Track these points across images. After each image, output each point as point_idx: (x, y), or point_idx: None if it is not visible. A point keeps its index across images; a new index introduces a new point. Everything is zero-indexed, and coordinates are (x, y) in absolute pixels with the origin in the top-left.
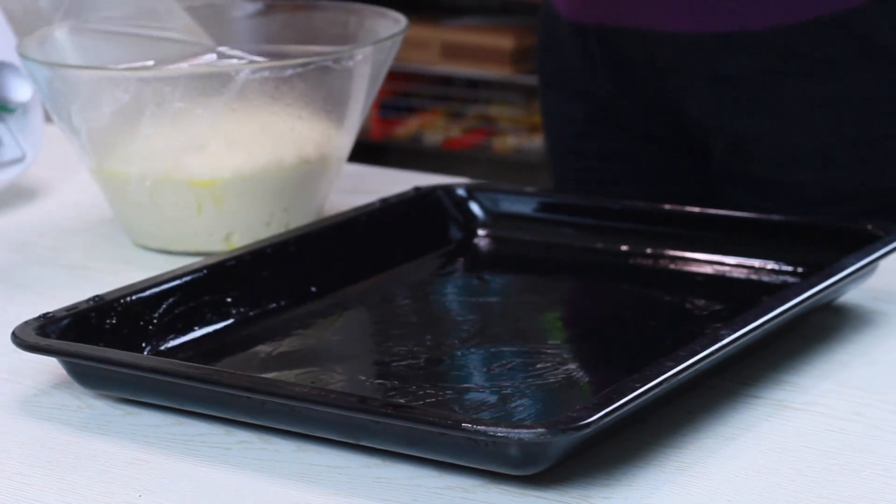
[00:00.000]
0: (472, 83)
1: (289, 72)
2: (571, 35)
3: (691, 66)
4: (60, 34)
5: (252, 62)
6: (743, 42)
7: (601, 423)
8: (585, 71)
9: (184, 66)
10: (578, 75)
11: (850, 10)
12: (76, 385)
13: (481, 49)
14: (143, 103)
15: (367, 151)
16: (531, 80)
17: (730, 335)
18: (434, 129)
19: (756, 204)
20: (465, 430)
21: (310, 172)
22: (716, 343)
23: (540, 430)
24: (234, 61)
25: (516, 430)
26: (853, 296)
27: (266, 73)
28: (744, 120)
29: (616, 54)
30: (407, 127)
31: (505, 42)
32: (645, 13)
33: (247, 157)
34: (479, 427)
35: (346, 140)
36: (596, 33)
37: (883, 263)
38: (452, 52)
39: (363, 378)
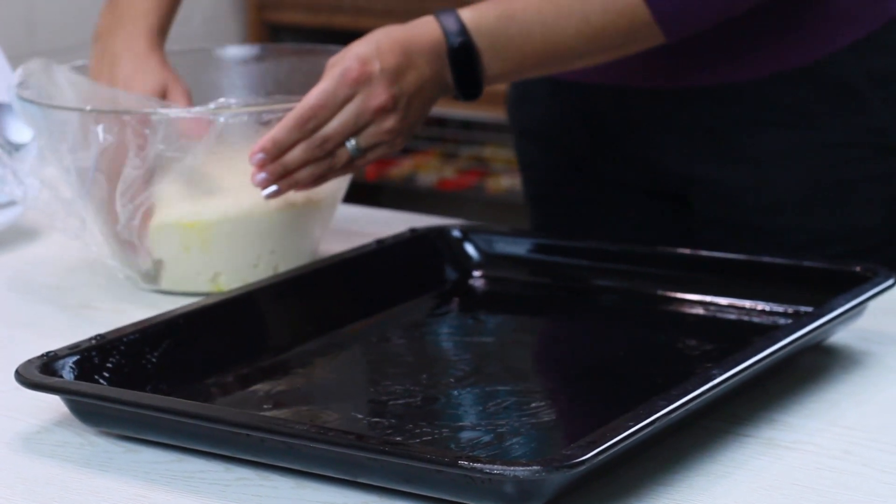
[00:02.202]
0: (467, 124)
1: (266, 117)
2: (547, 89)
3: (670, 119)
4: (60, 76)
5: (232, 107)
6: (721, 95)
7: (595, 460)
8: (562, 123)
9: (163, 111)
10: (555, 127)
11: (824, 60)
12: (78, 422)
13: None
14: (127, 145)
15: (360, 192)
16: None
17: (721, 375)
18: (428, 170)
19: (737, 248)
20: (461, 467)
21: (297, 216)
22: (707, 383)
23: (535, 467)
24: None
25: (512, 468)
26: (843, 336)
27: (245, 118)
28: (723, 169)
29: (592, 108)
30: (401, 168)
31: (499, 84)
32: (622, 71)
33: (232, 200)
34: (475, 464)
35: (334, 185)
36: (572, 89)
37: (872, 304)
38: None
39: (360, 416)
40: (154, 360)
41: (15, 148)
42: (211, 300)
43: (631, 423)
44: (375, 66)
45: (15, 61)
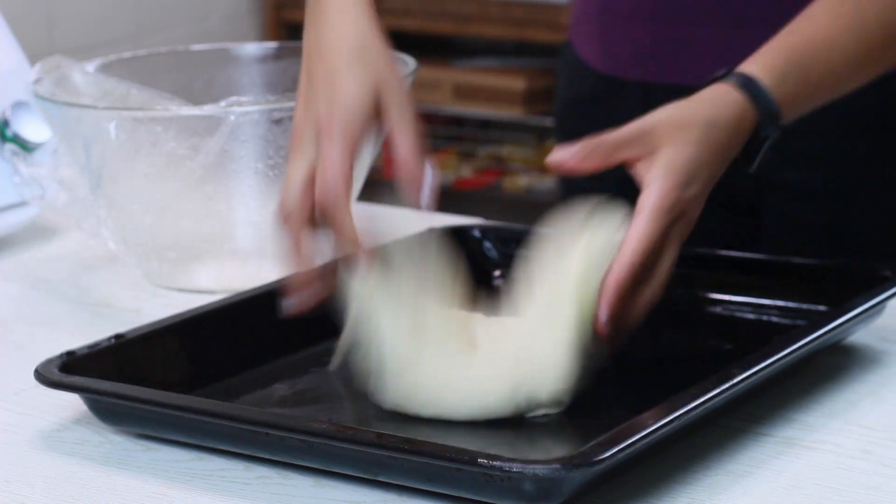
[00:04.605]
0: (484, 124)
1: (276, 115)
2: (606, 89)
3: None
4: (76, 73)
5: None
6: None
7: (615, 459)
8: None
9: (174, 108)
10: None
11: None
12: (97, 421)
13: (493, 90)
14: (139, 143)
15: (377, 191)
16: (542, 120)
17: (740, 374)
18: (446, 169)
19: (812, 252)
20: (480, 465)
21: None
22: (726, 382)
23: (555, 465)
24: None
25: (531, 466)
26: (861, 336)
27: (256, 116)
28: (802, 171)
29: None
30: None
31: (516, 83)
32: (702, 70)
33: None
34: (494, 462)
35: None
36: (639, 89)
37: (891, 304)
38: (464, 93)
39: (378, 415)
40: (174, 358)
41: (33, 146)
42: (230, 299)
43: (650, 422)
44: (691, 192)
45: (34, 59)
